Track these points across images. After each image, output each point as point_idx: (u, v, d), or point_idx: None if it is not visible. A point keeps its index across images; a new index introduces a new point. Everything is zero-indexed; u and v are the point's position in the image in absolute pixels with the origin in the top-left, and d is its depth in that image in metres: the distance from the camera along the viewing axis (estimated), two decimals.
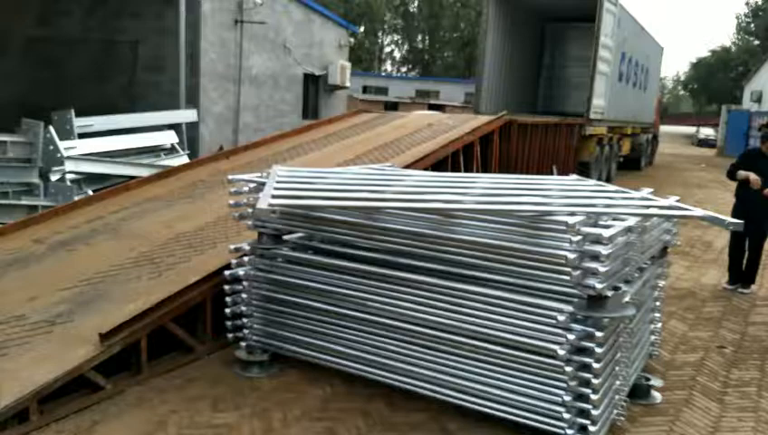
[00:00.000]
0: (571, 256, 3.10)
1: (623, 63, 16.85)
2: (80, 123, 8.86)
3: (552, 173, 11.52)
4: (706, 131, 43.68)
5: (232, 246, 4.40)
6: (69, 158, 7.99)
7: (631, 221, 3.40)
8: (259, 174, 4.46)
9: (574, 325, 3.20)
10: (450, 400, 3.57)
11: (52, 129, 7.96)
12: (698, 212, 3.45)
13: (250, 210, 4.26)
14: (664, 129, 33.84)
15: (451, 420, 3.59)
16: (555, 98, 18.35)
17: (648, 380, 4.06)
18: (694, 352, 4.86)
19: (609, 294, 3.18)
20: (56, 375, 3.48)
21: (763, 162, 6.33)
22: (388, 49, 52.75)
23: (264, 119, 13.60)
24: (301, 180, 4.21)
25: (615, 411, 3.50)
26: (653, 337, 4.44)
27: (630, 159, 20.26)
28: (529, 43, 17.30)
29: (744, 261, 6.62)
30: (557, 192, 4.01)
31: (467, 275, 3.61)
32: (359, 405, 3.78)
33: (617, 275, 3.31)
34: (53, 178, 7.83)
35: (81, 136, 8.79)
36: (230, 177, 4.48)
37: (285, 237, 4.34)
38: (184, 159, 10.13)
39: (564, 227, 3.15)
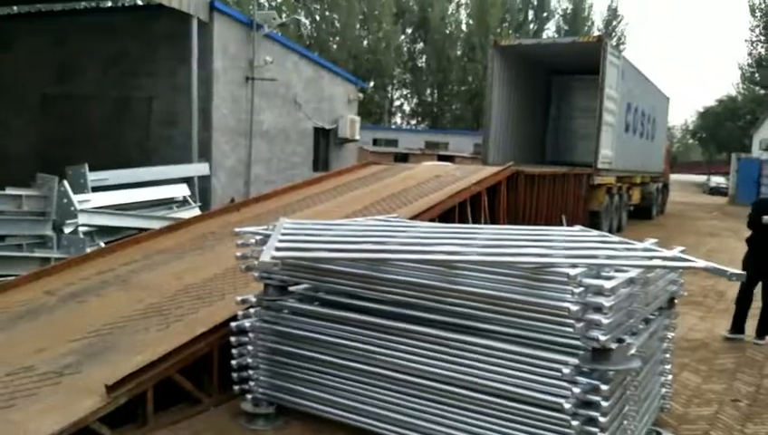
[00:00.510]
0: (574, 307, 3.11)
1: (629, 114, 17.05)
2: (94, 177, 9.04)
3: (561, 223, 11.55)
4: (717, 180, 43.70)
5: (238, 298, 4.44)
6: (82, 211, 8.13)
7: (633, 273, 3.42)
8: (265, 226, 4.53)
9: (579, 378, 3.19)
10: None
11: (66, 183, 8.13)
12: (701, 263, 3.46)
13: (256, 262, 4.31)
14: (674, 177, 33.90)
15: None
16: (563, 149, 18.53)
17: (658, 434, 4.00)
18: (708, 406, 4.79)
19: (614, 346, 3.17)
20: (62, 426, 3.49)
21: None
22: (397, 102, 53.66)
23: (276, 171, 13.80)
24: (306, 232, 4.28)
25: None
26: (664, 390, 4.38)
27: (641, 208, 20.31)
28: (535, 95, 17.57)
29: (759, 312, 6.56)
30: (560, 243, 4.05)
31: (471, 327, 3.63)
32: None
33: (621, 327, 3.31)
34: (67, 230, 7.95)
35: (96, 189, 8.97)
36: (236, 229, 4.55)
37: (291, 289, 4.38)
38: (195, 211, 10.27)
39: (566, 279, 3.17)
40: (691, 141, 63.39)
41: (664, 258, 3.63)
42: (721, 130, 53.18)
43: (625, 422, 3.44)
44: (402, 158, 30.68)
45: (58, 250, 7.31)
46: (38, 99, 12.86)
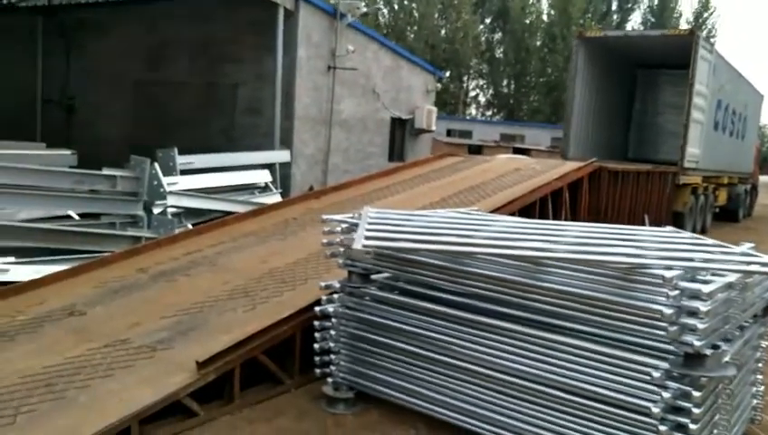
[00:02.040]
0: (668, 311, 3.03)
1: (719, 111, 16.29)
2: (182, 161, 9.39)
3: (643, 223, 11.20)
4: None
5: (322, 283, 4.54)
6: (171, 193, 8.47)
7: (732, 277, 3.29)
8: (351, 214, 4.59)
9: (669, 383, 3.11)
10: None
11: (156, 165, 8.49)
12: None
13: (342, 249, 4.39)
14: (763, 179, 32.15)
15: None
16: (647, 145, 17.92)
17: None
18: None
19: (709, 352, 3.06)
20: (155, 399, 3.68)
21: None
22: (473, 93, 53.10)
23: (353, 160, 13.97)
24: (390, 222, 4.31)
25: None
26: (755, 401, 4.21)
27: (727, 209, 19.44)
28: (619, 89, 17.04)
29: None
30: (652, 244, 3.94)
31: (556, 325, 3.58)
32: None
33: (716, 333, 3.19)
34: (156, 211, 8.31)
35: (183, 173, 9.32)
36: (324, 217, 4.63)
37: (374, 277, 4.44)
38: (277, 198, 10.53)
39: (661, 281, 3.09)
40: None
41: (765, 264, 3.47)
42: None
43: (715, 432, 3.33)
44: (476, 150, 30.34)
45: (148, 230, 7.64)
46: (131, 85, 13.43)
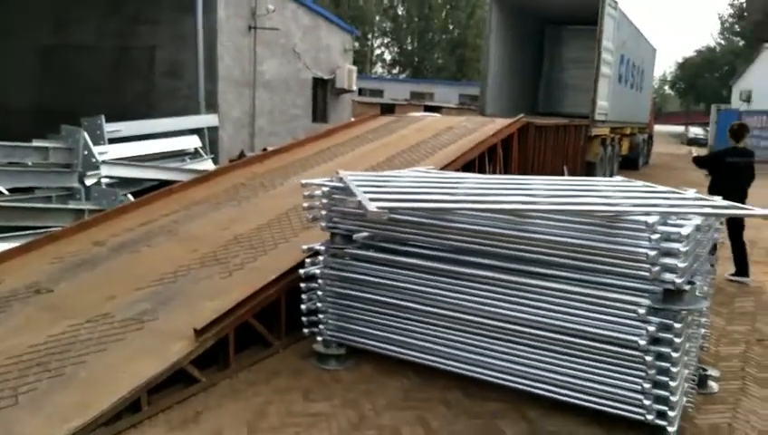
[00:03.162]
0: (652, 253, 3.36)
1: (622, 66, 17.22)
2: (109, 129, 9.00)
3: (563, 174, 11.85)
4: (695, 130, 44.43)
5: (304, 246, 4.62)
6: (104, 162, 8.15)
7: (698, 220, 3.66)
8: (329, 178, 4.66)
9: (651, 318, 3.46)
10: (530, 389, 3.81)
11: (86, 134, 8.11)
12: (759, 211, 3.73)
13: (323, 212, 4.48)
14: (657, 128, 34.32)
15: (530, 409, 3.83)
16: (555, 99, 18.70)
17: (705, 370, 4.33)
18: (736, 345, 5.15)
19: (687, 287, 3.43)
20: (162, 369, 3.70)
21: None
22: (377, 51, 53.06)
23: (278, 122, 13.80)
24: (374, 184, 4.43)
25: (685, 399, 3.76)
26: (702, 331, 4.70)
27: (629, 158, 20.70)
28: (529, 46, 17.62)
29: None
30: (616, 193, 4.28)
31: (541, 273, 3.86)
32: (437, 395, 4.02)
33: (690, 270, 3.57)
34: (88, 182, 7.98)
35: (110, 141, 8.94)
36: (303, 181, 4.68)
37: (355, 237, 4.56)
38: (209, 163, 10.34)
39: (643, 227, 3.41)
40: (669, 92, 63.94)
41: (723, 207, 3.88)
42: (699, 81, 53.77)
43: (685, 358, 3.73)
44: (388, 108, 30.53)
45: (88, 202, 7.35)
46: (36, 49, 12.56)
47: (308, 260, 4.56)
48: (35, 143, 7.43)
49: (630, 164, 21.13)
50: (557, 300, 3.72)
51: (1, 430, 3.25)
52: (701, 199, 4.20)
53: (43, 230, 6.46)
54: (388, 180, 4.68)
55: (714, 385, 4.30)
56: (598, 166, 15.18)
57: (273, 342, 4.62)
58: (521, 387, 3.85)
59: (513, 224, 3.88)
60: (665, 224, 3.50)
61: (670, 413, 3.46)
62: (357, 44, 47.30)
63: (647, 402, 3.48)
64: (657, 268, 3.39)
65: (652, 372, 3.45)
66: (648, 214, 3.50)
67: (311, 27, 14.98)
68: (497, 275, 3.93)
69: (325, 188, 4.48)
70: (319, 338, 4.51)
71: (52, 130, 8.50)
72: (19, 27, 12.45)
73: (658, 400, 3.49)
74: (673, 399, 3.46)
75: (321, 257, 4.50)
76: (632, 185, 4.77)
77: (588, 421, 3.69)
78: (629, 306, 3.49)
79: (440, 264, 4.14)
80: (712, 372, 4.41)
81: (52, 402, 3.44)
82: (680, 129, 49.99)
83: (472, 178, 5.10)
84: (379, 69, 52.79)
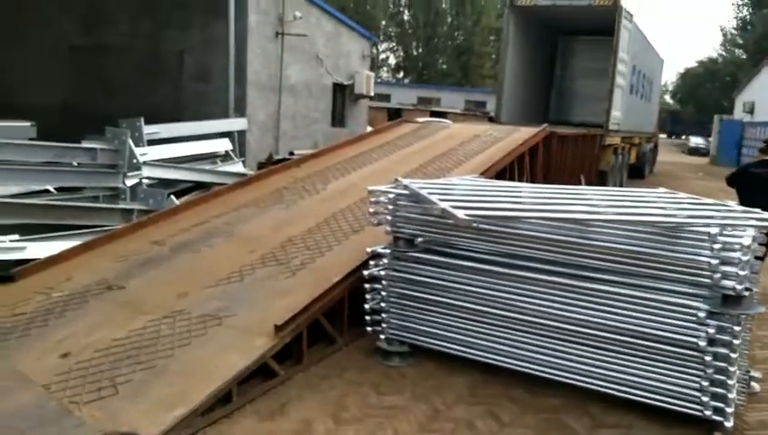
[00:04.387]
0: (714, 261, 3.62)
1: (633, 76, 17.54)
2: (148, 130, 9.23)
3: (579, 182, 12.11)
4: (696, 140, 44.83)
5: (368, 249, 4.86)
6: (145, 163, 8.37)
7: (753, 231, 3.92)
8: (392, 186, 4.90)
9: (710, 321, 3.71)
10: (592, 386, 4.06)
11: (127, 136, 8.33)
12: None
13: (389, 217, 4.73)
14: (661, 137, 34.69)
15: (593, 405, 4.07)
16: (566, 108, 19.01)
17: (748, 371, 4.58)
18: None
19: (746, 294, 3.69)
20: (248, 362, 3.93)
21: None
22: (383, 56, 53.37)
23: (300, 126, 14.06)
24: (439, 191, 4.67)
25: (736, 397, 4.01)
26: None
27: (635, 167, 21.00)
28: (542, 56, 17.92)
29: None
30: (668, 204, 4.54)
31: (602, 279, 4.11)
32: (502, 391, 4.26)
33: (747, 277, 3.82)
34: (129, 182, 8.19)
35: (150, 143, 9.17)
36: (370, 187, 4.92)
37: (417, 241, 4.81)
38: (239, 166, 10.57)
39: (706, 237, 3.67)
40: (670, 101, 64.48)
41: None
42: (700, 92, 54.24)
43: (740, 360, 3.99)
44: (395, 113, 30.80)
45: (134, 202, 7.58)
46: (65, 49, 12.79)
47: (371, 262, 4.81)
48: (85, 144, 7.65)
49: (636, 173, 21.44)
50: (618, 303, 3.97)
51: (107, 418, 3.47)
52: (747, 212, 4.46)
53: (95, 229, 6.68)
54: (449, 188, 4.93)
55: (756, 386, 4.55)
56: (609, 174, 15.47)
57: (338, 339, 4.86)
58: (583, 384, 4.10)
59: (576, 232, 4.13)
60: (724, 234, 3.76)
61: (727, 409, 3.72)
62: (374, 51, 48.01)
63: (705, 399, 3.73)
64: (717, 275, 3.65)
65: (710, 371, 3.71)
66: (708, 225, 3.77)
67: (333, 34, 15.27)
68: (560, 280, 4.17)
69: (391, 195, 4.73)
70: (382, 336, 4.75)
71: (81, 130, 8.73)
72: (48, 27, 12.66)
73: (715, 397, 3.74)
74: (730, 396, 3.71)
75: (384, 260, 4.75)
76: (679, 196, 5.03)
77: (646, 417, 3.93)
78: (690, 310, 3.75)
79: (502, 268, 4.39)
80: (754, 373, 4.66)
81: (152, 393, 3.67)
82: (682, 138, 50.38)
83: (526, 187, 5.36)
84: (383, 73, 53.10)
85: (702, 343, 3.68)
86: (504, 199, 4.56)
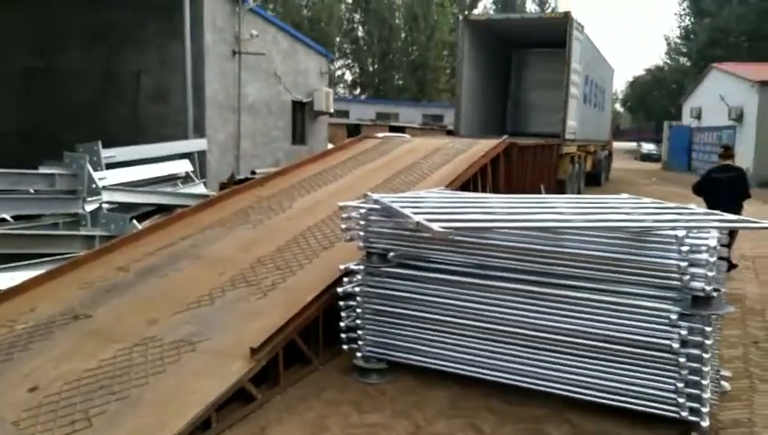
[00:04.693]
0: (683, 263, 3.71)
1: (587, 86, 17.96)
2: (105, 154, 9.04)
3: (540, 191, 12.30)
4: (648, 146, 46.07)
5: (342, 266, 4.83)
6: (105, 188, 8.19)
7: (716, 232, 4.03)
8: (363, 201, 4.90)
9: (682, 323, 3.79)
10: (570, 394, 4.10)
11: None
12: (765, 223, 4.13)
13: (361, 233, 4.72)
14: (615, 145, 35.49)
15: (571, 413, 4.10)
16: (520, 120, 19.35)
17: (719, 371, 4.69)
18: (735, 348, 5.55)
19: (715, 294, 3.79)
20: (226, 388, 3.86)
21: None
22: (338, 72, 53.47)
23: (260, 145, 13.96)
24: (410, 205, 4.68)
25: (710, 397, 4.10)
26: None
27: (591, 174, 21.45)
28: (497, 69, 18.22)
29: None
30: (633, 209, 4.64)
31: (576, 285, 4.17)
32: (482, 403, 4.27)
33: (714, 278, 3.93)
34: (89, 208, 8.00)
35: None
36: (340, 204, 4.91)
37: (390, 256, 4.80)
38: (201, 188, 10.42)
39: (673, 240, 3.76)
40: (620, 109, 66.26)
41: (737, 220, 4.28)
42: (649, 99, 55.85)
43: (712, 360, 4.08)
44: (355, 129, 30.90)
45: (96, 228, 7.40)
46: (17, 72, 12.47)
47: (345, 279, 4.78)
48: (42, 170, 7.45)
49: (593, 180, 21.90)
50: (591, 309, 4.03)
51: None
52: (710, 214, 4.59)
53: (56, 257, 6.50)
54: (419, 201, 4.95)
55: (726, 384, 4.66)
56: (568, 183, 15.78)
57: (314, 359, 4.81)
58: (561, 392, 4.14)
59: (547, 240, 4.19)
60: (691, 237, 3.86)
61: (702, 409, 3.80)
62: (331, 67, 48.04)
63: (681, 400, 3.81)
64: (687, 277, 3.74)
65: (685, 372, 3.79)
66: (675, 228, 3.86)
67: (290, 51, 15.25)
68: (534, 288, 4.22)
69: (362, 210, 4.72)
70: (359, 353, 4.72)
71: (37, 155, 8.53)
72: (1, 49, 12.34)
73: (691, 397, 3.82)
74: (704, 396, 3.80)
75: (357, 276, 4.73)
76: (643, 201, 5.14)
77: (624, 421, 3.99)
78: (661, 313, 3.83)
79: (476, 279, 4.42)
80: (724, 372, 4.78)
81: (128, 423, 3.56)
82: (633, 145, 51.71)
83: (494, 198, 5.41)
84: (340, 90, 53.21)
85: (675, 345, 3.76)
86: (475, 210, 4.58)
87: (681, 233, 3.76)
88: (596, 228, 4.04)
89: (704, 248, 3.73)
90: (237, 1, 12.69)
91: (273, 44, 14.41)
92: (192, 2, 11.34)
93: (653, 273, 3.90)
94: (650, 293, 3.96)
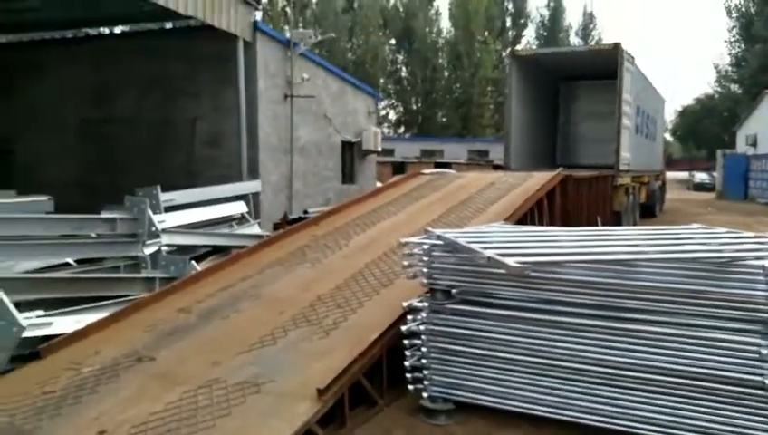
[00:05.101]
0: None
1: (638, 117, 17.68)
2: (164, 198, 9.23)
3: (597, 224, 12.02)
4: (701, 176, 44.90)
5: (405, 304, 4.75)
6: (164, 231, 8.33)
7: None
8: (425, 236, 4.83)
9: None
10: (650, 434, 3.88)
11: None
12: None
13: (424, 269, 4.63)
14: (669, 175, 34.72)
15: None
16: (571, 152, 19.13)
17: None
18: None
19: None
20: (294, 430, 3.77)
21: None
22: (383, 112, 54.21)
23: (311, 185, 14.11)
24: (475, 239, 4.58)
25: None
26: None
27: (646, 205, 20.95)
28: (545, 102, 18.13)
29: None
30: (709, 239, 4.44)
31: (654, 320, 3.98)
32: None
33: None
34: (148, 251, 8.14)
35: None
36: (403, 240, 4.85)
37: (453, 292, 4.69)
38: (256, 228, 10.52)
39: (759, 271, 3.56)
40: (671, 139, 65.04)
41: None
42: (699, 128, 54.68)
43: None
44: (399, 166, 31.06)
45: (155, 270, 7.51)
46: (76, 124, 12.98)
47: (409, 317, 4.69)
48: (104, 214, 7.64)
49: (648, 212, 21.38)
50: (670, 344, 3.84)
51: None
52: None
53: (118, 300, 6.58)
54: (483, 235, 4.85)
55: None
56: (623, 214, 15.44)
57: (378, 399, 4.70)
58: (641, 432, 3.92)
59: (621, 273, 4.03)
60: None
61: None
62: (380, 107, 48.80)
63: None
64: None
65: None
66: (760, 258, 3.66)
67: (339, 93, 15.49)
68: (608, 324, 4.05)
69: (425, 246, 4.64)
70: (424, 394, 4.59)
71: (95, 203, 8.75)
72: (60, 102, 12.89)
73: None
74: None
75: (422, 314, 4.63)
76: (717, 231, 4.93)
77: None
78: (749, 347, 3.61)
79: (545, 315, 4.27)
80: None
81: None
82: (684, 174, 50.49)
83: (560, 231, 5.27)
84: (385, 129, 53.82)
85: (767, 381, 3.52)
86: (543, 244, 4.46)
87: (766, 262, 3.56)
88: (674, 260, 3.86)
89: None
90: (289, 46, 12.98)
91: (322, 87, 14.66)
92: (245, 49, 11.66)
93: (736, 305, 3.69)
94: (734, 326, 3.75)
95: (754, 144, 31.76)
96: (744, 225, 17.09)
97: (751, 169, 31.99)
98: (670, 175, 53.19)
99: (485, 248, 4.30)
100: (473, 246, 4.14)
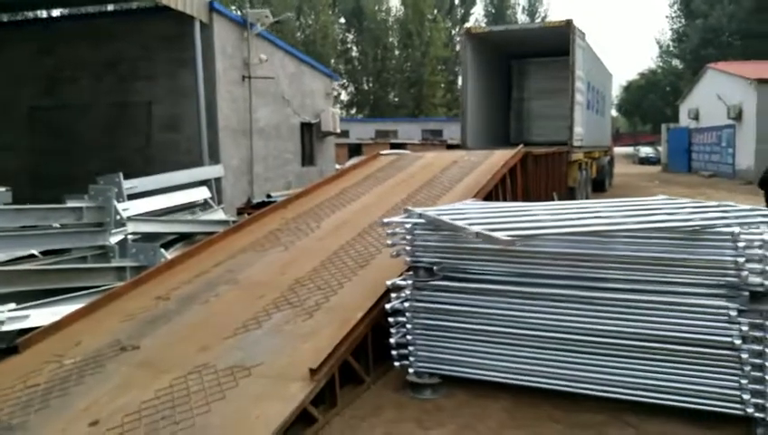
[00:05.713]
0: (740, 260, 3.72)
1: (589, 93, 18.08)
2: (126, 185, 9.07)
3: (553, 199, 12.36)
4: (645, 150, 46.26)
5: (389, 282, 4.84)
6: (130, 219, 8.21)
7: (766, 227, 4.05)
8: (407, 216, 4.92)
9: (741, 319, 3.80)
10: (629, 397, 4.09)
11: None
12: None
13: (408, 247, 4.73)
14: (617, 150, 35.62)
15: (630, 416, 4.09)
16: (524, 129, 19.46)
17: None
18: None
19: None
20: (290, 410, 3.84)
21: None
22: (334, 93, 53.91)
23: (272, 168, 14.01)
24: (456, 216, 4.69)
25: None
26: None
27: (596, 181, 21.50)
28: (499, 80, 18.34)
29: None
30: (677, 210, 4.66)
31: (629, 288, 4.17)
32: (540, 413, 4.24)
33: None
34: (113, 239, 8.01)
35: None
36: (385, 220, 4.92)
37: (435, 269, 4.80)
38: (220, 213, 10.44)
39: (728, 237, 3.78)
40: (616, 114, 66.67)
41: None
42: (644, 103, 56.18)
43: None
44: (356, 148, 31.10)
45: (125, 259, 7.41)
46: (26, 112, 12.55)
47: (393, 295, 4.78)
48: (70, 204, 7.48)
49: (598, 186, 21.95)
50: (647, 311, 4.04)
51: None
52: (755, 209, 4.61)
53: (92, 290, 6.49)
54: (462, 212, 4.95)
55: None
56: (577, 190, 15.84)
57: (365, 377, 4.80)
58: (620, 396, 4.13)
59: (597, 244, 4.21)
60: (746, 233, 3.87)
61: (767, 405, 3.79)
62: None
63: (745, 397, 3.80)
64: (744, 273, 3.75)
65: (747, 368, 3.78)
66: (729, 225, 3.88)
67: (296, 74, 15.36)
68: (585, 293, 4.23)
69: (408, 225, 4.74)
70: (410, 370, 4.71)
71: (52, 192, 8.55)
72: (7, 89, 12.43)
73: (755, 394, 3.81)
74: None
75: (405, 291, 4.73)
76: (681, 202, 5.16)
77: (687, 421, 3.97)
78: (720, 310, 3.84)
79: (525, 287, 4.43)
80: None
81: None
82: (630, 149, 51.89)
83: (535, 206, 5.41)
84: (337, 109, 53.53)
85: (737, 341, 3.76)
86: (522, 219, 4.60)
87: (737, 229, 3.77)
88: (647, 230, 4.05)
89: (759, 244, 3.74)
90: (246, 27, 12.79)
91: (280, 68, 14.51)
92: (202, 30, 11.44)
93: (708, 271, 3.91)
94: (705, 291, 3.97)
95: (696, 118, 32.83)
96: (690, 196, 17.74)
97: (693, 143, 33.13)
98: (617, 150, 54.77)
99: (470, 225, 4.43)
100: (458, 222, 4.24)
